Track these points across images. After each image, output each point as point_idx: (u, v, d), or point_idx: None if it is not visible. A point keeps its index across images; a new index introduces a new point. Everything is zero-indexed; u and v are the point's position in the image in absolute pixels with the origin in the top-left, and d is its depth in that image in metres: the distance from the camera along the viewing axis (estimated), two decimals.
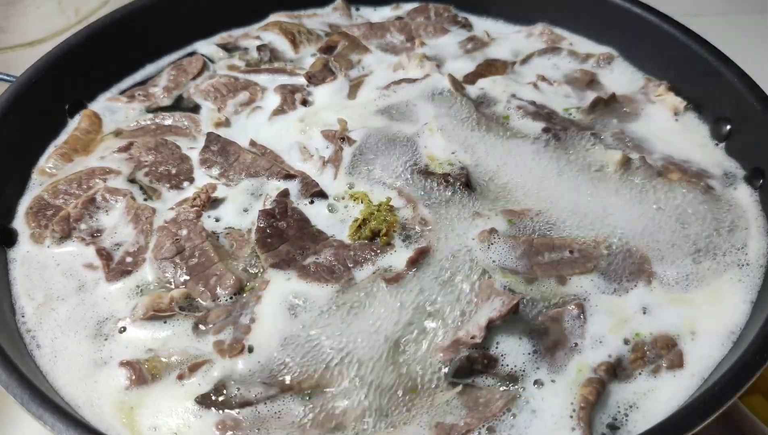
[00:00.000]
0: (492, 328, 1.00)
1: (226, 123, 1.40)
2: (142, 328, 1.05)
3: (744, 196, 1.25)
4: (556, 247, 1.14)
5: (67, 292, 1.12)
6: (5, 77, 1.41)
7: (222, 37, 1.62)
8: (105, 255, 1.16)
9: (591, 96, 1.44)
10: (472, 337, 0.98)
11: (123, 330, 1.06)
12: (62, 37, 1.48)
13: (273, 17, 1.66)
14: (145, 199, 1.25)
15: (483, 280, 1.06)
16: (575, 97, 1.46)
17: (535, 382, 1.00)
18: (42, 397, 0.90)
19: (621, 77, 1.52)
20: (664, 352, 1.03)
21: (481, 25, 1.67)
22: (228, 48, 1.59)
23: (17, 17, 2.05)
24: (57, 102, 1.39)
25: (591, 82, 1.49)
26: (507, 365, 1.00)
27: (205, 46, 1.59)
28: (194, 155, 1.32)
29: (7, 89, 1.30)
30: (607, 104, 1.42)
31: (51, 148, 1.35)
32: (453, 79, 1.43)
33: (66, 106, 1.40)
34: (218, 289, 1.09)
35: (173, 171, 1.30)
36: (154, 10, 1.53)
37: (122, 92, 1.48)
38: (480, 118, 1.34)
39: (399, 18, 1.67)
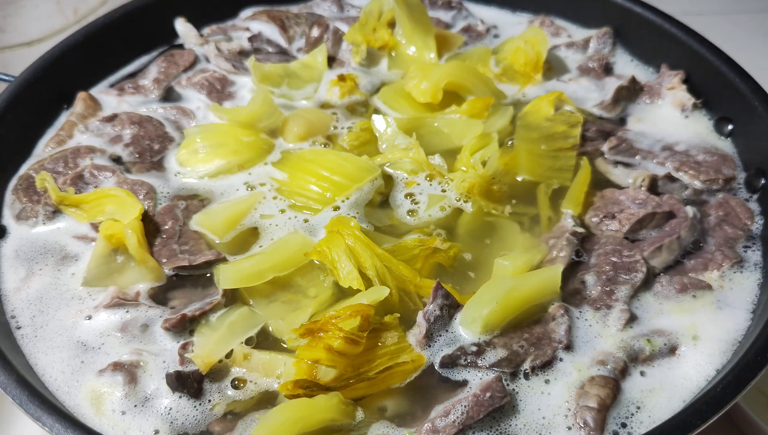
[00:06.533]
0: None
1: None
2: (105, 315, 1.06)
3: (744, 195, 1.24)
4: None
5: (55, 265, 1.14)
6: (3, 77, 1.41)
7: (212, 29, 1.60)
8: None
9: (609, 82, 1.43)
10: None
11: (89, 318, 1.06)
12: (61, 36, 1.48)
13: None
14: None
15: None
16: (594, 87, 1.45)
17: (527, 377, 0.98)
18: (40, 398, 0.90)
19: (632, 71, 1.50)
20: (672, 353, 1.01)
21: (475, 11, 1.65)
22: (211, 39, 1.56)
23: (15, 17, 2.05)
24: (54, 100, 1.40)
25: (606, 68, 1.48)
26: (494, 357, 0.98)
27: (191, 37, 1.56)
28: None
29: (5, 89, 1.31)
30: (629, 91, 1.39)
31: (47, 136, 1.36)
32: None
33: (64, 105, 1.41)
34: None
35: (155, 147, 1.31)
36: (154, 8, 1.53)
37: (112, 85, 1.47)
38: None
39: None
